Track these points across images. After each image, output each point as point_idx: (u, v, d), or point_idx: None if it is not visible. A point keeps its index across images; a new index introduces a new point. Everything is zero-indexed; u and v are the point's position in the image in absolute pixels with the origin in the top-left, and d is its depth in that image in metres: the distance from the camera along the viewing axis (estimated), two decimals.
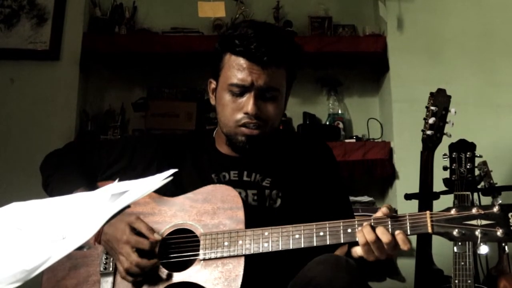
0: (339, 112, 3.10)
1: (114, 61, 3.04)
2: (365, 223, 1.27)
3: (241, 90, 1.45)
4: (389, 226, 1.27)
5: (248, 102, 1.44)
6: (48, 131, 2.79)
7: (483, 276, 2.24)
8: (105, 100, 3.11)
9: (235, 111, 1.46)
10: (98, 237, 1.39)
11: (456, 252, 1.86)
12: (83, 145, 1.68)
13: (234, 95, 1.46)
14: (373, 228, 1.25)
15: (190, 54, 2.88)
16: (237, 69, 1.44)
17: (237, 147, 1.50)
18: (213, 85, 1.56)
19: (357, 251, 1.31)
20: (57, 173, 1.54)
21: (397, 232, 1.25)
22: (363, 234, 1.26)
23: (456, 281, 1.87)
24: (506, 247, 2.20)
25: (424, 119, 2.01)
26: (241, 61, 1.43)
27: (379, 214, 1.29)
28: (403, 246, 1.24)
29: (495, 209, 1.22)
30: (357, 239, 1.28)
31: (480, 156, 1.96)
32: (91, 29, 3.02)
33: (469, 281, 1.86)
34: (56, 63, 2.89)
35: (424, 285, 2.03)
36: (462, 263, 1.87)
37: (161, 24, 3.11)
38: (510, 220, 1.20)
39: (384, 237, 1.24)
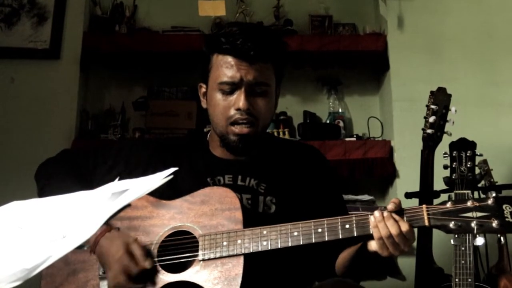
0: (340, 110, 3.10)
1: (115, 60, 3.04)
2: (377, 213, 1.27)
3: (231, 87, 1.45)
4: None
5: (239, 98, 1.44)
6: (48, 130, 2.79)
7: (483, 275, 2.24)
8: (105, 99, 3.11)
9: (226, 109, 1.46)
10: (94, 246, 1.38)
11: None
12: (77, 152, 1.67)
13: (224, 94, 1.46)
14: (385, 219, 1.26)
15: (190, 53, 2.87)
16: (225, 67, 1.45)
17: (231, 147, 1.50)
18: (203, 89, 1.57)
19: (372, 245, 1.31)
20: (52, 181, 1.52)
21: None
22: (378, 228, 1.26)
23: (457, 280, 1.87)
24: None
25: (425, 117, 2.01)
26: (229, 59, 1.45)
27: (390, 206, 1.29)
28: (404, 227, 1.24)
29: (490, 201, 1.23)
30: (355, 234, 1.29)
31: (481, 155, 1.96)
32: (91, 28, 3.03)
33: (469, 280, 1.86)
34: (56, 62, 2.90)
35: (425, 284, 2.03)
36: (463, 262, 1.87)
37: (162, 23, 3.11)
38: (505, 212, 1.22)
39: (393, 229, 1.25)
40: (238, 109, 1.45)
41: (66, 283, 1.43)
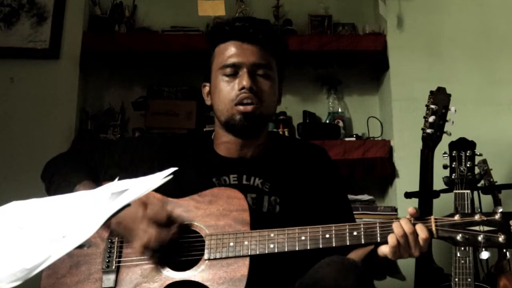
0: (339, 110, 3.10)
1: (114, 60, 3.04)
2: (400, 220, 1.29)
3: (233, 69, 1.49)
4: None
5: (242, 78, 1.48)
6: (48, 130, 2.79)
7: (483, 274, 2.24)
8: (105, 99, 3.11)
9: (230, 91, 1.49)
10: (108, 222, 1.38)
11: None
12: (83, 149, 1.68)
13: (227, 77, 1.50)
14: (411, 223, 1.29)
15: (190, 52, 2.87)
16: (227, 52, 1.51)
17: (237, 129, 1.51)
18: (207, 88, 1.60)
19: (383, 250, 1.31)
20: (59, 174, 1.52)
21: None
22: (400, 224, 1.28)
23: (456, 280, 1.87)
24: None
25: (424, 117, 2.01)
26: (230, 44, 1.51)
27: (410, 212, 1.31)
28: (422, 233, 1.26)
29: (497, 216, 1.25)
30: (363, 241, 1.30)
31: (480, 155, 1.96)
32: (91, 28, 3.02)
33: (469, 280, 1.86)
34: (56, 62, 2.89)
35: (424, 284, 2.03)
36: (462, 262, 1.87)
37: (161, 23, 3.11)
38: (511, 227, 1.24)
39: (422, 232, 1.27)
40: (242, 88, 1.47)
41: (68, 275, 1.42)
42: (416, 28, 3.00)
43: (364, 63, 3.12)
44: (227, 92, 1.49)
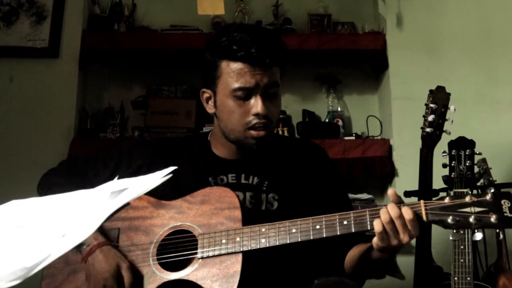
0: (339, 109, 3.10)
1: (114, 58, 3.03)
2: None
3: (246, 93, 1.45)
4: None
5: (256, 103, 1.44)
6: (47, 129, 2.79)
7: (482, 273, 2.25)
8: (104, 98, 3.11)
9: (243, 115, 1.46)
10: (87, 256, 1.38)
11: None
12: (77, 161, 1.67)
13: (239, 100, 1.46)
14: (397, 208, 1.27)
15: (189, 51, 2.88)
16: (238, 74, 1.43)
17: (247, 150, 1.51)
18: (206, 95, 1.55)
19: (374, 239, 1.30)
20: (55, 187, 1.51)
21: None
22: (387, 210, 1.26)
23: (456, 278, 1.87)
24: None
25: (424, 116, 2.01)
26: (242, 65, 1.43)
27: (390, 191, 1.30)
28: (407, 215, 1.24)
29: (488, 196, 1.23)
30: (353, 230, 1.29)
31: (480, 154, 1.96)
32: (90, 27, 3.03)
33: (468, 278, 1.86)
34: (55, 61, 2.90)
35: (424, 283, 2.03)
36: (462, 260, 1.87)
37: (160, 22, 3.11)
38: (503, 207, 1.22)
39: (407, 214, 1.24)
40: (256, 114, 1.45)
41: (66, 282, 1.43)
42: (415, 27, 3.00)
43: (364, 62, 3.12)
44: (239, 115, 1.46)
